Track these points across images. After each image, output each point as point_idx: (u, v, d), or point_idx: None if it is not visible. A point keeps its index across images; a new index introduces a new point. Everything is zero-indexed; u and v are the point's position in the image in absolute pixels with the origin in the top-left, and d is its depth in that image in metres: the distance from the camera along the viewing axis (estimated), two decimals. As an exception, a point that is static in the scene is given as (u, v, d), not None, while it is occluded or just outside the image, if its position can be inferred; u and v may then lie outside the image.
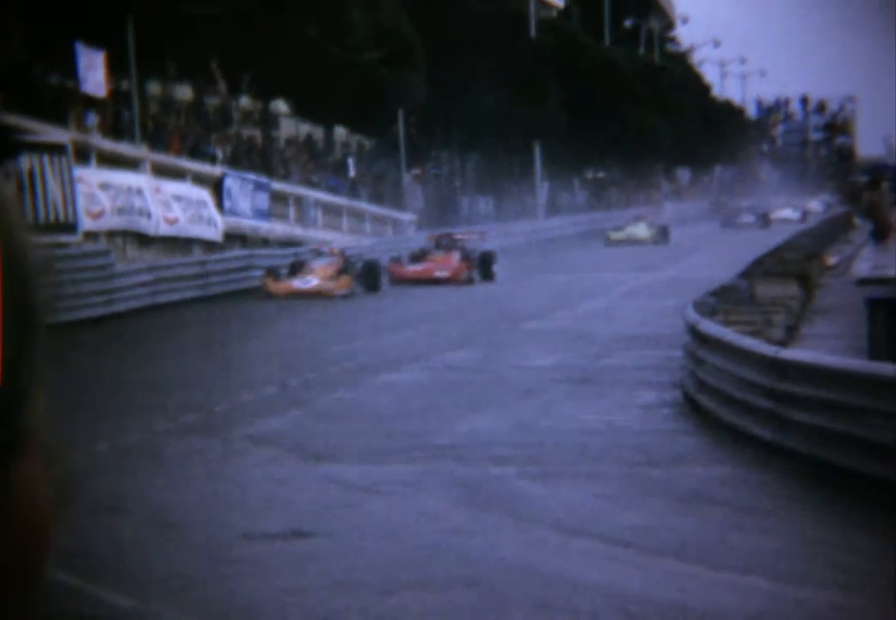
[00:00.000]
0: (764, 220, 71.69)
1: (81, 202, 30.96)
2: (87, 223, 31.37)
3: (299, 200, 45.35)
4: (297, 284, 32.71)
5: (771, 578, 8.76)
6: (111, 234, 33.39)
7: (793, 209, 78.75)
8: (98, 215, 32.47)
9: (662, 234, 57.85)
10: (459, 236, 39.51)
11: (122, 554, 9.84)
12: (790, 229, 55.16)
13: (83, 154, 32.80)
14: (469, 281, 36.19)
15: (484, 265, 36.99)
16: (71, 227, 29.93)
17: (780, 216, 76.34)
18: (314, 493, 11.67)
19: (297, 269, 33.61)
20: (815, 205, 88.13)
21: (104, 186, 33.08)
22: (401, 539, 9.97)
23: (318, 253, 34.83)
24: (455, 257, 36.99)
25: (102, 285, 29.01)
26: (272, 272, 33.39)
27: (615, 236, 57.33)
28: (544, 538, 9.92)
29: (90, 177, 32.48)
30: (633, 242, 55.87)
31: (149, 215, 34.91)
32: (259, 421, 15.11)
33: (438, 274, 36.24)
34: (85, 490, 11.98)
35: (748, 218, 72.30)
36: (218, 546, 9.95)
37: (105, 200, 32.90)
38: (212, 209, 38.36)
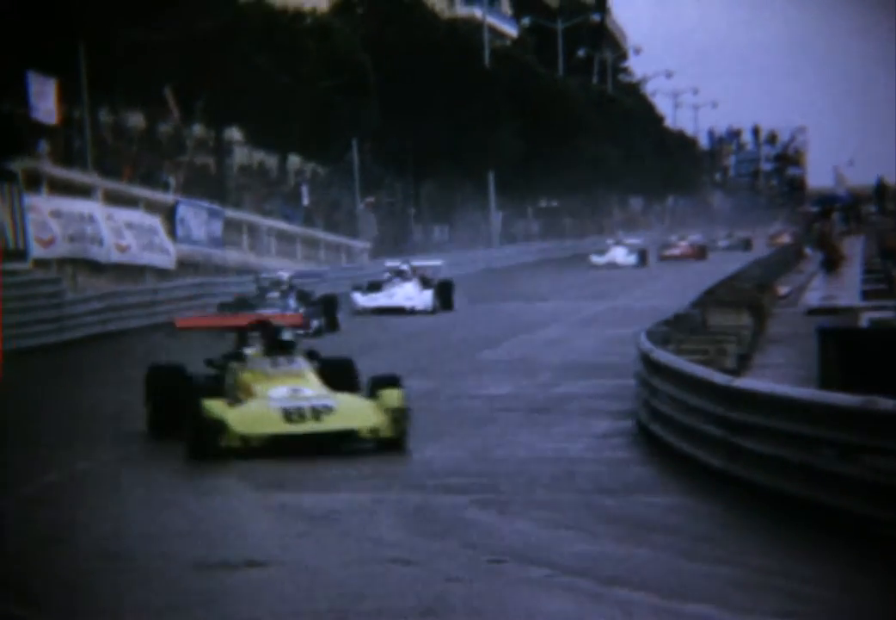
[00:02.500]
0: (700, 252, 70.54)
1: (32, 230, 30.79)
2: (37, 251, 31.21)
3: (253, 228, 45.27)
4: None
5: (722, 607, 8.76)
6: (62, 261, 33.21)
7: (728, 241, 77.76)
8: (49, 243, 32.30)
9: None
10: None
11: (69, 586, 9.73)
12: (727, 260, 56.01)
13: (34, 182, 32.65)
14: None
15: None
16: (21, 254, 29.76)
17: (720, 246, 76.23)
18: (267, 522, 11.60)
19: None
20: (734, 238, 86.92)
21: (55, 214, 32.92)
22: (355, 569, 9.91)
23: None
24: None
25: (52, 312, 28.84)
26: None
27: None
28: (498, 567, 9.88)
29: (41, 205, 32.32)
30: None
31: (100, 243, 34.75)
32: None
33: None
34: (33, 521, 11.86)
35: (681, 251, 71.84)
36: (169, 576, 9.85)
37: (56, 228, 32.74)
38: (164, 237, 38.25)
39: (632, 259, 60.66)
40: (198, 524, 11.56)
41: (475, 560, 10.07)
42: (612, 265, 59.03)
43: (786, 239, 79.24)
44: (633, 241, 65.64)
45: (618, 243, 63.14)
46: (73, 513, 12.07)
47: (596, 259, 60.71)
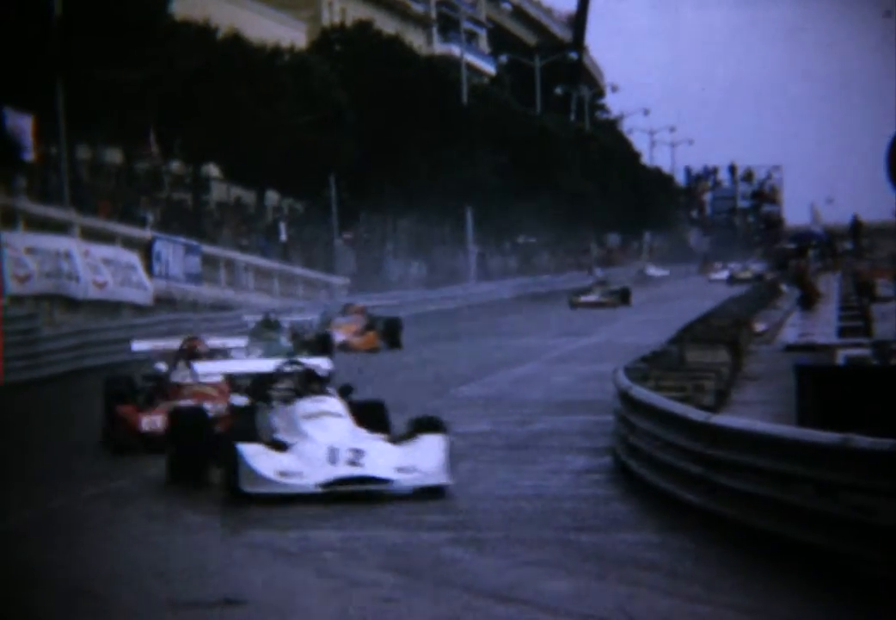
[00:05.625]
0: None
1: (8, 266, 30.73)
2: (13, 287, 31.13)
3: (230, 264, 45.25)
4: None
5: (702, 645, 8.72)
6: (38, 298, 33.12)
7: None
8: (24, 279, 32.23)
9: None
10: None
11: (44, 624, 9.65)
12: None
13: (10, 218, 32.62)
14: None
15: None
16: (-1, 297, 29.69)
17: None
18: (244, 560, 11.53)
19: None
20: (720, 275, 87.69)
21: (31, 251, 32.87)
22: (332, 607, 9.85)
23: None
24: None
25: (28, 349, 28.72)
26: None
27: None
28: (475, 604, 9.83)
29: (17, 241, 32.28)
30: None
31: (77, 279, 34.69)
32: (186, 487, 14.92)
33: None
34: (7, 558, 11.78)
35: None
36: (143, 615, 9.77)
37: (32, 265, 32.68)
38: (141, 273, 38.19)
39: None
40: (173, 563, 11.49)
41: (453, 599, 10.02)
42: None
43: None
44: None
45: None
46: (48, 551, 11.99)
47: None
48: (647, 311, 52.73)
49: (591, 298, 57.92)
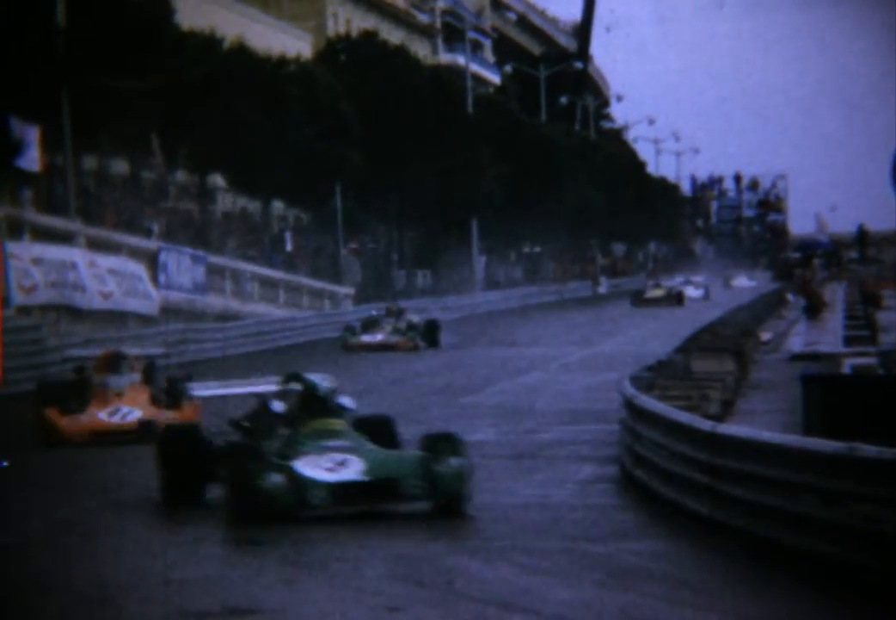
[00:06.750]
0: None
1: (14, 277, 30.77)
2: (19, 298, 31.16)
3: (236, 274, 45.28)
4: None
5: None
6: (44, 308, 33.15)
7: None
8: (31, 290, 32.27)
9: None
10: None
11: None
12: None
13: (16, 229, 32.66)
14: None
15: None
16: (3, 301, 29.70)
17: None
18: (252, 570, 11.53)
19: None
20: (741, 282, 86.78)
21: (37, 261, 32.91)
22: (339, 617, 9.85)
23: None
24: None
25: (34, 359, 28.74)
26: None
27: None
28: (482, 614, 9.83)
29: (23, 252, 32.31)
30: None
31: (83, 290, 34.73)
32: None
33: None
34: (15, 568, 11.79)
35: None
36: (151, 624, 9.78)
37: (38, 275, 32.72)
38: (147, 283, 38.23)
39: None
40: (179, 572, 11.49)
41: (460, 608, 10.03)
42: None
43: (736, 276, 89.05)
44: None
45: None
46: (55, 560, 12.01)
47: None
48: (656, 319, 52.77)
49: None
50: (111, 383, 20.24)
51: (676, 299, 65.36)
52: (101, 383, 20.29)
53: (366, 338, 38.29)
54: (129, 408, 19.86)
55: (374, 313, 41.19)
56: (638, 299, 66.02)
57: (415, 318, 39.77)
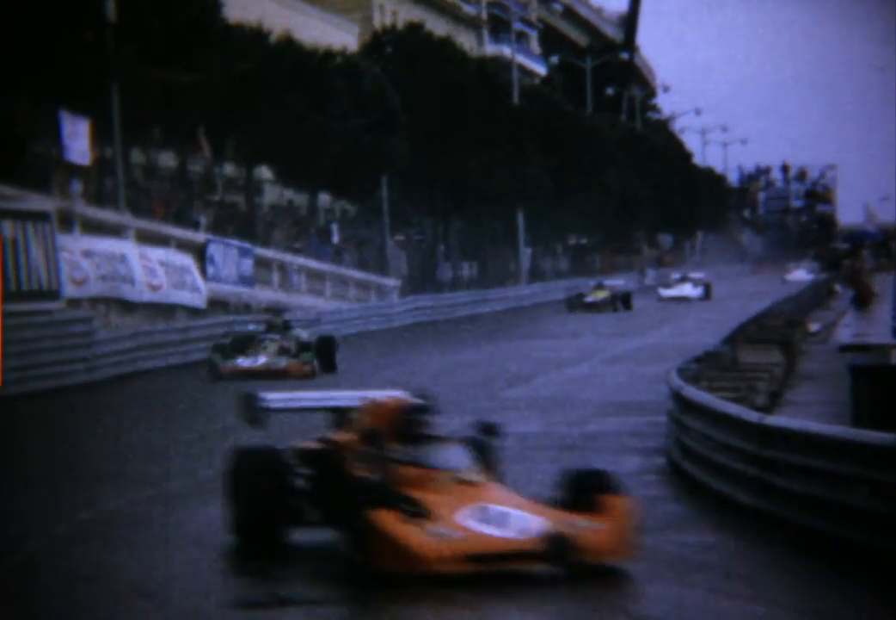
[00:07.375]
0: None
1: (64, 269, 30.97)
2: (69, 290, 31.36)
3: (283, 267, 45.43)
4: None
5: (757, 646, 8.73)
6: (94, 300, 33.37)
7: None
8: (81, 282, 32.48)
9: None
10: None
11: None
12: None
13: (67, 222, 32.87)
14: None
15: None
16: (53, 294, 29.90)
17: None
18: (299, 560, 11.60)
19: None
20: (796, 276, 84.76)
21: (87, 254, 33.12)
22: (386, 608, 9.91)
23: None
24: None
25: (84, 352, 28.93)
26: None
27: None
28: (529, 604, 9.87)
29: (73, 244, 32.53)
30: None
31: (132, 282, 34.92)
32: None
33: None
34: (67, 559, 11.91)
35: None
36: (202, 615, 9.86)
37: (88, 268, 32.92)
38: (195, 275, 38.40)
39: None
40: (230, 564, 11.56)
41: (506, 596, 10.05)
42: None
43: (791, 269, 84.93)
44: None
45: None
46: (106, 552, 12.10)
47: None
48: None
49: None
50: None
51: (623, 302, 55.37)
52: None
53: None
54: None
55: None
56: (576, 303, 55.34)
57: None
